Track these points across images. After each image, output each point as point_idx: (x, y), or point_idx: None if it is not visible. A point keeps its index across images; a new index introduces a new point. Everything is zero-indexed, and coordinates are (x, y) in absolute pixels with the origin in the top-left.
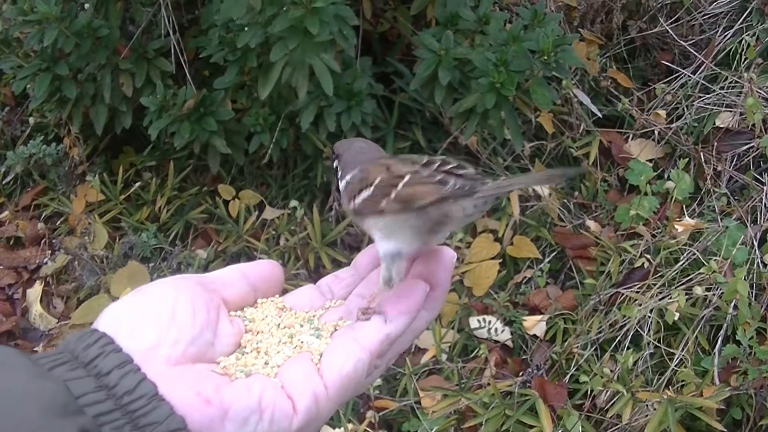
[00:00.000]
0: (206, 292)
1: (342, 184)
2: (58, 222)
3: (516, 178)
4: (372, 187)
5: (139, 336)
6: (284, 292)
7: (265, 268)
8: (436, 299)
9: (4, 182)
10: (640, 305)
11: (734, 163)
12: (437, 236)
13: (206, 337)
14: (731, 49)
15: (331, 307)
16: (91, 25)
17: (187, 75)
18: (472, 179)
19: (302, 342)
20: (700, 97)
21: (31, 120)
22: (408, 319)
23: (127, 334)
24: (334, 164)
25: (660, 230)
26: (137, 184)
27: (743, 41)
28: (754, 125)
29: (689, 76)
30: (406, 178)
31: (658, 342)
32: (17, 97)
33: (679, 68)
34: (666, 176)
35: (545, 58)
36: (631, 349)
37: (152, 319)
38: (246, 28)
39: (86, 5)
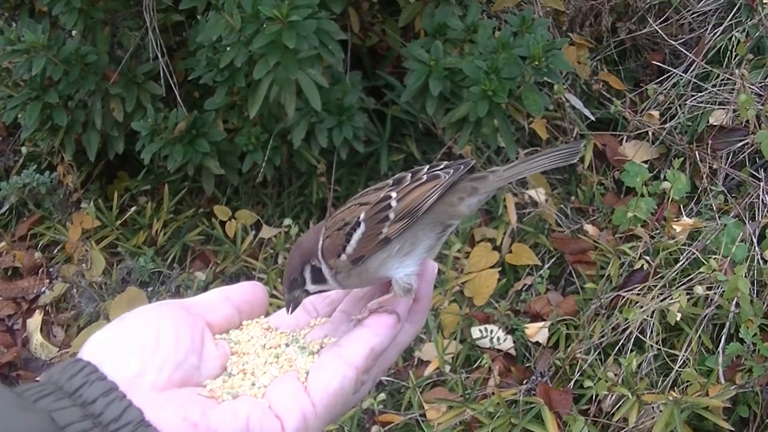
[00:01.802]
0: (190, 316)
1: (324, 270)
2: (55, 250)
3: (517, 167)
4: (362, 224)
5: (123, 363)
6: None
7: (248, 290)
8: (419, 312)
9: None
10: (642, 307)
11: (730, 160)
12: (443, 239)
13: (191, 361)
14: (721, 46)
15: (316, 325)
16: (79, 51)
17: (178, 97)
18: (458, 165)
19: (288, 361)
20: (693, 95)
21: (24, 149)
22: (392, 332)
23: (111, 362)
24: (307, 274)
25: (658, 231)
26: (133, 208)
27: (733, 38)
28: (747, 121)
29: (681, 76)
30: (395, 194)
31: (661, 343)
32: (8, 126)
33: (670, 68)
34: (662, 177)
35: (536, 63)
36: (635, 352)
37: (136, 346)
38: (228, 48)
39: (73, 32)
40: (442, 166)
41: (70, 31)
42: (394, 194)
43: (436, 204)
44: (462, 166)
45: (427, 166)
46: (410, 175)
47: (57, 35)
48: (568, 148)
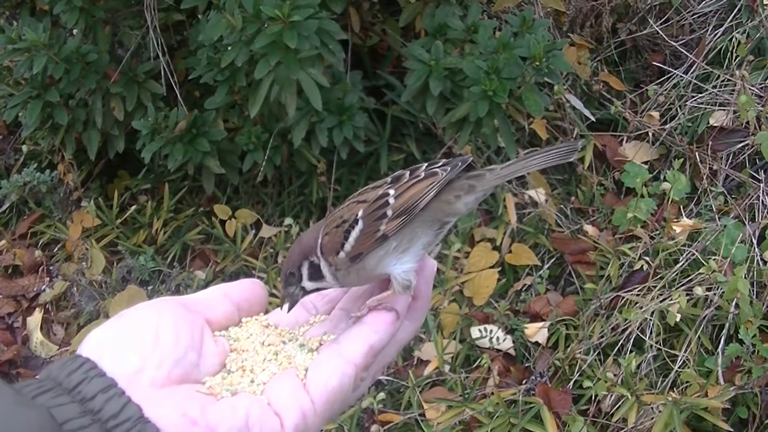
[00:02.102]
0: (189, 313)
1: (324, 267)
2: (56, 249)
3: (514, 165)
4: (360, 221)
5: (123, 360)
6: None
7: (247, 288)
8: (418, 309)
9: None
10: (641, 308)
11: (730, 161)
12: (441, 236)
13: (190, 358)
14: (722, 47)
15: (315, 323)
16: (80, 50)
17: (178, 96)
18: (456, 163)
19: (287, 358)
20: (693, 96)
21: (25, 148)
22: (391, 329)
23: (110, 358)
24: (305, 270)
25: (658, 232)
26: (133, 207)
27: (733, 39)
28: (748, 123)
29: (681, 77)
30: (393, 192)
31: (661, 344)
32: (9, 125)
33: (670, 69)
34: (662, 177)
35: (537, 64)
36: (634, 353)
37: (136, 343)
38: (230, 48)
39: (74, 31)
40: (440, 164)
41: (71, 30)
42: (391, 192)
43: (433, 201)
44: (460, 164)
45: (426, 164)
46: (409, 172)
47: (58, 34)
48: (565, 146)
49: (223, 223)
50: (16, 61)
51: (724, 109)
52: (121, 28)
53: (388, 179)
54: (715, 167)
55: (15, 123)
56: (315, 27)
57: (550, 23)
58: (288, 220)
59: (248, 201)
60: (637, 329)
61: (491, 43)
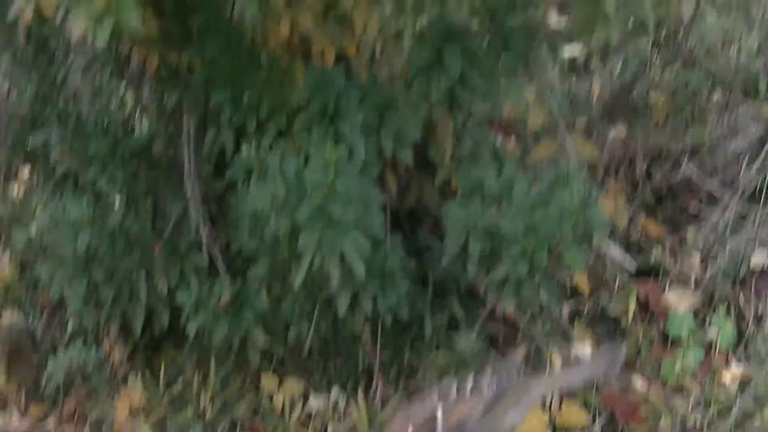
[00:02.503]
0: None
1: None
2: (104, 428)
3: (560, 378)
4: None
5: None
6: None
7: None
8: None
9: (46, 391)
10: None
11: None
12: None
13: None
14: (758, 184)
15: None
16: (123, 225)
17: (220, 269)
18: (502, 374)
19: None
20: (732, 236)
21: (70, 324)
22: None
23: None
24: None
25: (707, 382)
26: (179, 381)
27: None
28: None
29: (718, 217)
30: (440, 411)
31: None
32: (54, 302)
33: (707, 210)
34: (707, 322)
35: (574, 218)
36: None
37: None
38: (272, 217)
39: (116, 204)
40: (487, 374)
41: (112, 204)
42: (439, 412)
43: (480, 418)
44: (506, 374)
45: (473, 375)
46: (455, 387)
47: (100, 207)
48: (608, 356)
49: (270, 394)
50: (60, 237)
51: (765, 248)
52: (162, 200)
53: (435, 394)
54: (760, 310)
55: (60, 298)
56: (357, 194)
57: (585, 175)
58: (335, 392)
59: (294, 370)
60: None
61: (527, 199)
